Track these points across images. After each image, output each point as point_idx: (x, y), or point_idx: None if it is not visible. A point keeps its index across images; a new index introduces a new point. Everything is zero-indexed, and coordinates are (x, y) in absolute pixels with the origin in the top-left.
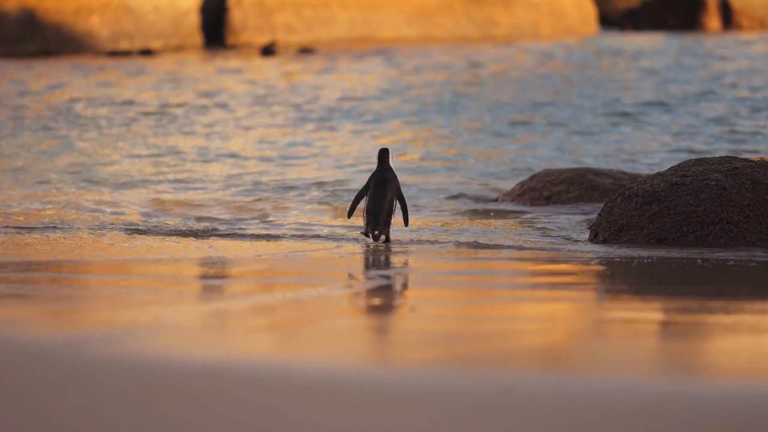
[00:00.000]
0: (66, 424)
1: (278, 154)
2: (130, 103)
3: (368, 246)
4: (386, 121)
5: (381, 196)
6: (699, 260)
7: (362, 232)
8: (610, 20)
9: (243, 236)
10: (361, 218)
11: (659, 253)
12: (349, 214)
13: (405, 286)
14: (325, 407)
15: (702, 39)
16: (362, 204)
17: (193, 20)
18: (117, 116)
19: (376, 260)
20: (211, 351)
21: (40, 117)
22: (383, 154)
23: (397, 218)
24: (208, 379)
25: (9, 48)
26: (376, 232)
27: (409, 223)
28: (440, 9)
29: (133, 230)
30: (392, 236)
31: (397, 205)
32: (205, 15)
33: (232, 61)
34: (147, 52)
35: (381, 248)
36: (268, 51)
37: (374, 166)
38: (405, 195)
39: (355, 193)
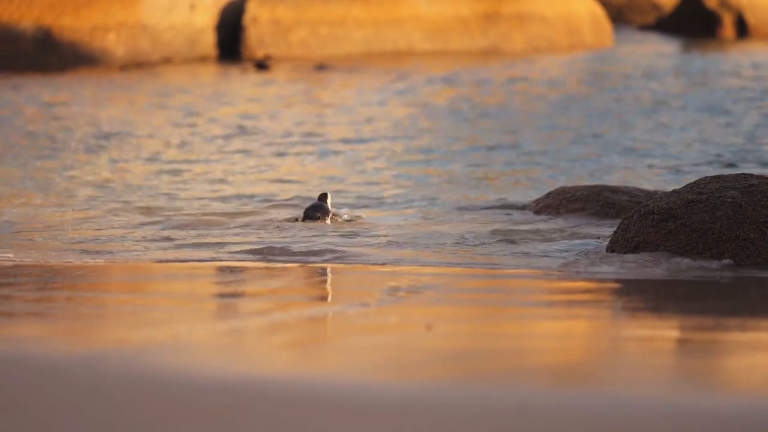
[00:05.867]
0: None
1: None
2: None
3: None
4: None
5: (318, 205)
6: (717, 276)
7: (297, 219)
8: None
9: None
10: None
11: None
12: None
13: (423, 303)
14: (343, 422)
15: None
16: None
17: (210, 38)
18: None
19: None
20: (229, 366)
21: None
22: (322, 196)
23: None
24: (226, 395)
25: (25, 65)
26: (302, 216)
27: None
28: (455, 26)
29: None
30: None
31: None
32: (221, 33)
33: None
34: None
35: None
36: (261, 66)
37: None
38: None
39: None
